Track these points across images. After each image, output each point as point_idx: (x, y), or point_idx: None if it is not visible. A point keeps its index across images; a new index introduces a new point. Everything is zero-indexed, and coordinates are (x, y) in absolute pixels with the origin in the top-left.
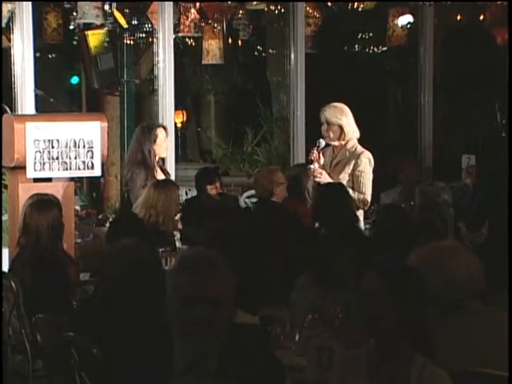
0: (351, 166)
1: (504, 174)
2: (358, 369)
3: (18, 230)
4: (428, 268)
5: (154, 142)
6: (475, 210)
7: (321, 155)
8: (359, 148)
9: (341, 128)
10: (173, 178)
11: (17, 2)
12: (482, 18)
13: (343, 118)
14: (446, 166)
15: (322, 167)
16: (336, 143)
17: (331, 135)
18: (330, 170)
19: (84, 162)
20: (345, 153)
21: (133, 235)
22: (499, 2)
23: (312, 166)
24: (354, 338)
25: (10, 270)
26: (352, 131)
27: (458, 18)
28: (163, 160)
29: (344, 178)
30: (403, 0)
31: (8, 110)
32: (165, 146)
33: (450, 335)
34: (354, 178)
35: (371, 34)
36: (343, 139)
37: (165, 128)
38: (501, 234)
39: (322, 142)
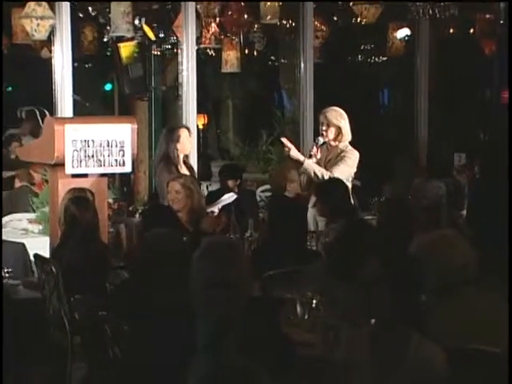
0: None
1: (497, 172)
2: (361, 346)
3: (59, 221)
4: (429, 254)
5: (177, 141)
6: (468, 205)
7: (318, 151)
8: (350, 147)
9: (339, 129)
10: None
11: (57, 18)
12: (471, 31)
13: (342, 120)
14: (440, 164)
15: (318, 162)
16: (332, 143)
17: (330, 135)
18: (323, 166)
19: (116, 160)
20: (337, 151)
21: (162, 225)
22: (487, 17)
23: (311, 160)
24: (358, 318)
25: (51, 256)
26: (348, 134)
27: (451, 31)
28: (187, 157)
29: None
30: (404, 0)
31: (47, 113)
32: (188, 144)
33: (445, 316)
34: (334, 161)
35: (373, 46)
36: (339, 140)
37: (187, 128)
38: (494, 229)
39: (321, 140)
